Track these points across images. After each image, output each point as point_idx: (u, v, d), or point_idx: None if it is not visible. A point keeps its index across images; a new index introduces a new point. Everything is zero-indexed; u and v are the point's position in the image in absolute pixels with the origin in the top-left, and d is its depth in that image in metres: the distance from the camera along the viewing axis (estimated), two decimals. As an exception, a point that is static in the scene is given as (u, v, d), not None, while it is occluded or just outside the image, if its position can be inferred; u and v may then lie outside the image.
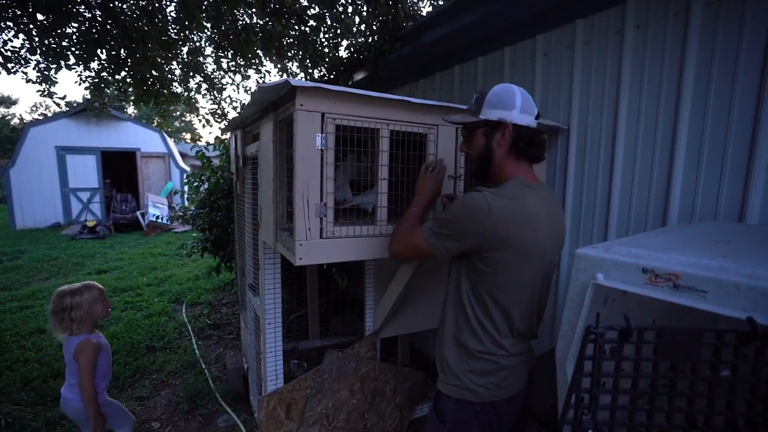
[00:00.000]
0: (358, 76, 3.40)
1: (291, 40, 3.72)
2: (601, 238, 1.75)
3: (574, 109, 1.84)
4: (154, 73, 4.01)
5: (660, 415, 0.72)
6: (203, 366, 3.14)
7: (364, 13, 3.20)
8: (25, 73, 3.84)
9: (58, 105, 4.06)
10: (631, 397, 0.71)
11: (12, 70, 3.51)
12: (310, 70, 3.86)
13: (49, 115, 9.63)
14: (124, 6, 3.46)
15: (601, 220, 1.76)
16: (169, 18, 3.64)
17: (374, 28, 3.16)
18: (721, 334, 0.68)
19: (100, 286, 1.89)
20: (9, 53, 3.41)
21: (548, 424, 1.33)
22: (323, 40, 3.64)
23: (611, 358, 0.70)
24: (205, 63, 4.39)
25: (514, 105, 1.14)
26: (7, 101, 33.26)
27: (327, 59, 3.64)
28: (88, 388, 1.73)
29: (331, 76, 3.64)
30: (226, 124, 3.80)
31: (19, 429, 2.37)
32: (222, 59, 4.19)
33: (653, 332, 0.69)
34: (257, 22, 3.67)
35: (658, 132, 1.53)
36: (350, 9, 3.31)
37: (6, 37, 3.40)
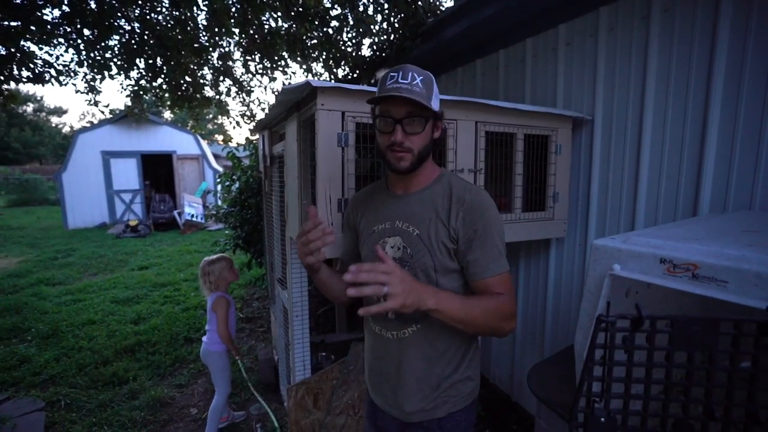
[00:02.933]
0: (381, 73, 3.43)
1: (314, 41, 3.80)
2: (627, 229, 1.70)
3: (598, 98, 1.79)
4: (187, 78, 4.22)
5: (676, 405, 0.71)
6: (236, 357, 3.29)
7: (386, 11, 3.23)
8: (74, 85, 4.17)
9: (102, 112, 4.36)
10: (645, 387, 0.71)
11: (63, 83, 3.81)
12: (334, 70, 3.93)
13: (95, 122, 10.24)
14: (160, 17, 3.66)
15: (628, 210, 1.71)
16: (200, 26, 3.82)
17: (396, 26, 3.18)
18: (739, 324, 0.66)
19: (229, 257, 2.45)
20: (61, 67, 3.70)
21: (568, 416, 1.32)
22: (346, 39, 3.69)
23: (623, 346, 0.70)
24: (234, 67, 4.56)
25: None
26: (59, 111, 35.84)
27: (350, 58, 3.70)
28: (223, 331, 2.28)
29: (354, 75, 3.69)
30: (254, 125, 3.96)
31: (76, 409, 2.59)
32: (250, 63, 4.35)
33: (667, 321, 0.69)
34: (282, 26, 3.77)
35: (688, 118, 1.48)
36: (371, 9, 3.34)
37: (58, 53, 3.71)
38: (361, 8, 3.34)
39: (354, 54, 3.70)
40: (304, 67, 4.21)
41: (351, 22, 3.44)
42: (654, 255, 0.85)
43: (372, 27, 3.40)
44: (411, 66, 0.98)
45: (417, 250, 1.03)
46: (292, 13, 3.39)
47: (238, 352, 2.41)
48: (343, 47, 3.70)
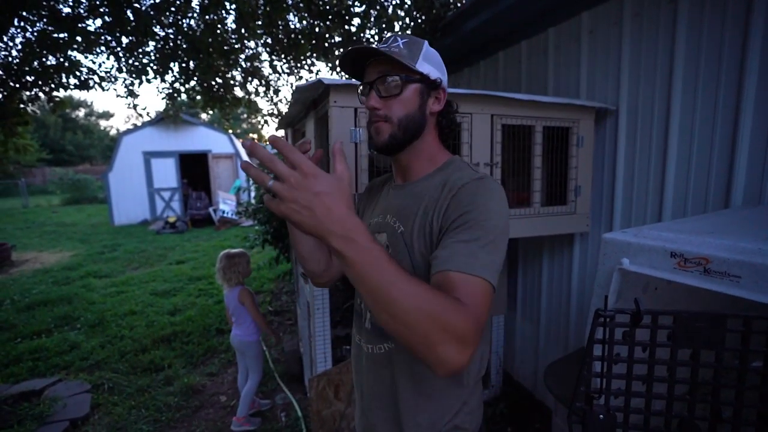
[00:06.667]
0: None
1: (339, 38, 3.85)
2: (654, 222, 1.62)
3: (623, 88, 1.72)
4: (218, 80, 4.39)
5: (681, 404, 0.69)
6: (264, 348, 3.42)
7: (407, 6, 3.22)
8: (115, 90, 4.46)
9: (140, 115, 4.63)
10: (647, 384, 0.69)
11: (106, 88, 4.08)
12: (357, 67, 3.95)
13: (138, 124, 10.87)
14: (191, 22, 3.83)
15: (655, 204, 1.63)
16: (229, 29, 3.96)
17: (419, 21, 3.16)
18: (748, 321, 0.63)
19: (247, 252, 2.57)
20: (103, 73, 3.96)
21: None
22: (369, 36, 3.71)
23: (623, 342, 0.68)
24: (261, 67, 4.70)
25: (445, 71, 0.88)
26: (107, 115, 38.30)
27: (372, 55, 3.71)
28: (258, 318, 2.44)
29: (377, 71, 3.69)
30: (278, 122, 4.07)
31: (118, 392, 2.80)
32: (276, 63, 4.46)
33: (669, 317, 0.66)
34: (306, 26, 3.85)
35: (719, 105, 1.39)
36: (390, 9, 3.34)
37: (100, 60, 3.99)
38: (381, 3, 3.34)
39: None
40: (330, 65, 4.27)
41: (372, 20, 3.45)
42: (664, 249, 0.81)
43: (394, 23, 3.40)
44: (399, 33, 0.85)
45: (397, 251, 0.82)
46: (313, 10, 3.45)
47: (274, 333, 2.61)
48: (365, 44, 3.73)
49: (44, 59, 3.41)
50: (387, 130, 0.81)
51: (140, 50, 3.82)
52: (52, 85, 3.65)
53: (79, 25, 3.25)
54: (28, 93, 3.59)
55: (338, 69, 4.08)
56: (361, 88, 0.86)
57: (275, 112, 5.28)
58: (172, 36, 3.80)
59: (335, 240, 0.56)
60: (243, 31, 3.80)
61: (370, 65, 0.83)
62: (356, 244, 0.56)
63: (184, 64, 4.04)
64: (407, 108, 0.81)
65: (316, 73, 5.12)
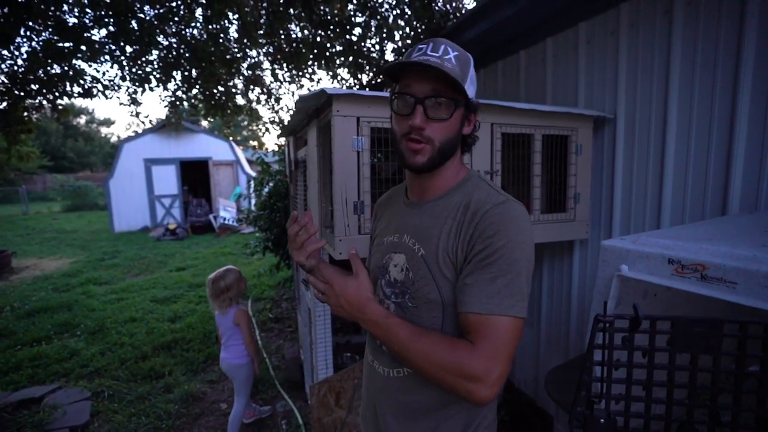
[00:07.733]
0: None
1: (340, 48, 3.90)
2: (653, 230, 1.64)
3: (620, 96, 1.75)
4: (220, 88, 4.45)
5: (681, 408, 0.70)
6: (265, 355, 3.41)
7: (406, 15, 3.28)
8: (119, 98, 4.51)
9: (143, 123, 4.68)
10: (646, 389, 0.70)
11: (109, 96, 4.14)
12: (358, 76, 4.01)
13: (139, 131, 10.93)
14: (194, 32, 3.89)
15: (653, 211, 1.65)
16: (231, 38, 4.02)
17: (419, 31, 3.21)
18: (745, 326, 0.64)
19: (236, 268, 2.39)
20: (107, 82, 4.02)
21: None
22: (369, 46, 3.77)
23: (622, 347, 0.70)
24: (263, 76, 4.75)
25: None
26: (108, 122, 38.56)
27: (373, 62, 3.77)
28: (251, 345, 2.33)
29: (378, 80, 3.75)
30: (280, 130, 4.11)
31: (118, 400, 2.79)
32: (278, 71, 4.52)
33: (668, 322, 0.67)
34: (308, 35, 3.90)
35: (715, 114, 1.41)
36: (391, 18, 3.40)
37: (104, 69, 4.05)
38: (384, 12, 3.40)
39: (377, 59, 3.77)
40: (330, 74, 4.33)
41: (373, 30, 3.51)
42: (662, 255, 0.83)
43: (395, 32, 3.45)
44: (445, 39, 0.78)
45: (420, 276, 0.80)
46: (314, 20, 3.51)
47: (259, 364, 2.46)
48: (366, 53, 3.78)
49: (49, 68, 3.45)
50: (427, 153, 0.78)
51: (144, 59, 3.87)
52: (57, 94, 3.69)
53: (84, 34, 3.30)
54: (32, 101, 3.63)
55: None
56: (397, 94, 0.79)
57: (276, 119, 5.34)
58: (175, 45, 3.86)
59: (361, 321, 0.80)
60: (245, 40, 3.86)
61: (416, 75, 0.76)
62: (374, 323, 0.78)
63: (186, 73, 4.10)
64: (450, 132, 0.78)
65: (317, 82, 5.18)
